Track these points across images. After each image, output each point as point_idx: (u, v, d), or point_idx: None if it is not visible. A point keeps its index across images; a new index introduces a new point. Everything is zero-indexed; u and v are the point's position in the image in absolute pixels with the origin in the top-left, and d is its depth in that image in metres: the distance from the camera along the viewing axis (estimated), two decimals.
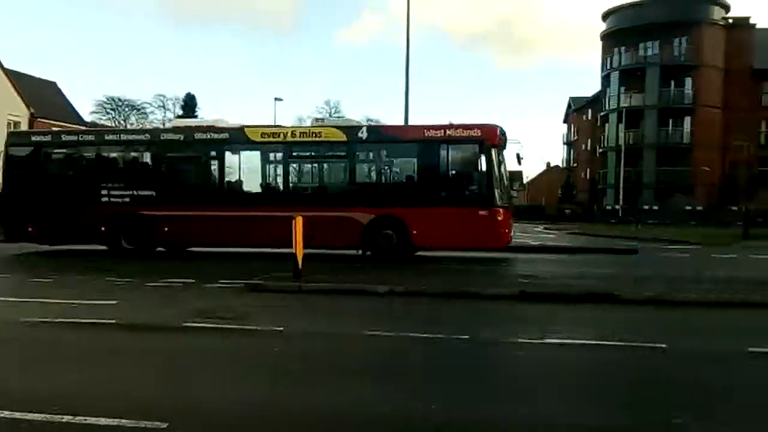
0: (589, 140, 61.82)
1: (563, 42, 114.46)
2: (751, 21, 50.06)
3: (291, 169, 16.84)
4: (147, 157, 17.30)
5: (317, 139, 15.91)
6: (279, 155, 16.46)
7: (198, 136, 16.53)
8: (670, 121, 50.25)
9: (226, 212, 15.85)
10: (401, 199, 15.38)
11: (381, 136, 16.20)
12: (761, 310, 9.38)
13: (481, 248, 15.86)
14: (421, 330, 7.50)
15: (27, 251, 17.26)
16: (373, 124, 17.12)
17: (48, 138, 17.96)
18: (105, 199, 16.51)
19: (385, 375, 5.98)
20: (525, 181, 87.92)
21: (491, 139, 15.06)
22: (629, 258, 18.20)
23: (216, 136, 16.40)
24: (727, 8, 50.32)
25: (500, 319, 8.90)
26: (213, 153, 16.57)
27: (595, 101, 57.90)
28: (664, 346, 6.85)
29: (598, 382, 5.86)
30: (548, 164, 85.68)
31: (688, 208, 41.52)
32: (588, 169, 61.36)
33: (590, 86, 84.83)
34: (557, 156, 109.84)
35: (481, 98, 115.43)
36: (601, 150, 55.53)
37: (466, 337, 7.26)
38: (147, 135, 18.58)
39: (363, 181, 16.43)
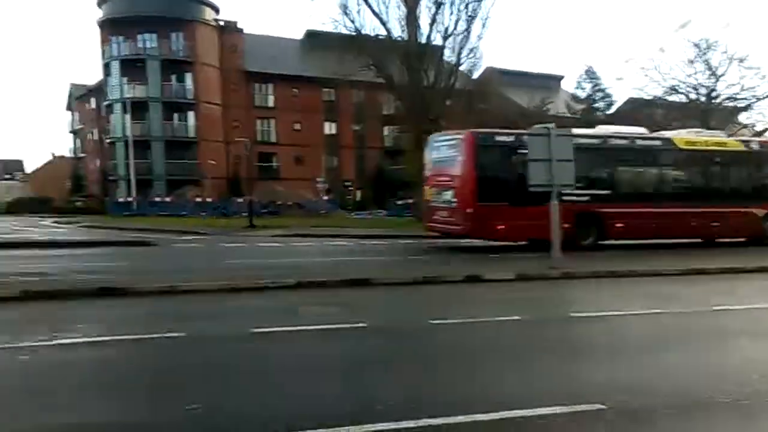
0: (96, 130, 59.51)
1: (60, 25, 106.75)
2: (239, 26, 54.56)
3: (709, 171, 19.72)
4: (600, 159, 18.51)
5: (725, 148, 19.71)
6: (699, 160, 19.43)
7: (640, 143, 18.89)
8: (175, 115, 51.46)
9: (668, 209, 18.23)
10: None
11: None
12: (264, 292, 10.48)
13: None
14: None
15: None
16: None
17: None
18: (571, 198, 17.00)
19: None
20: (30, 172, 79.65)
21: None
22: (148, 250, 18.73)
23: (652, 143, 19.23)
24: (217, 10, 53.90)
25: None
26: (651, 158, 19.13)
27: (99, 90, 55.91)
28: (183, 334, 7.15)
29: (117, 379, 5.80)
30: (53, 154, 79.74)
31: (199, 199, 43.19)
32: (98, 160, 58.96)
33: (94, 73, 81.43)
34: (64, 145, 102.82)
35: None
36: (109, 140, 53.32)
37: None
38: (600, 139, 18.98)
39: (759, 183, 20.15)
